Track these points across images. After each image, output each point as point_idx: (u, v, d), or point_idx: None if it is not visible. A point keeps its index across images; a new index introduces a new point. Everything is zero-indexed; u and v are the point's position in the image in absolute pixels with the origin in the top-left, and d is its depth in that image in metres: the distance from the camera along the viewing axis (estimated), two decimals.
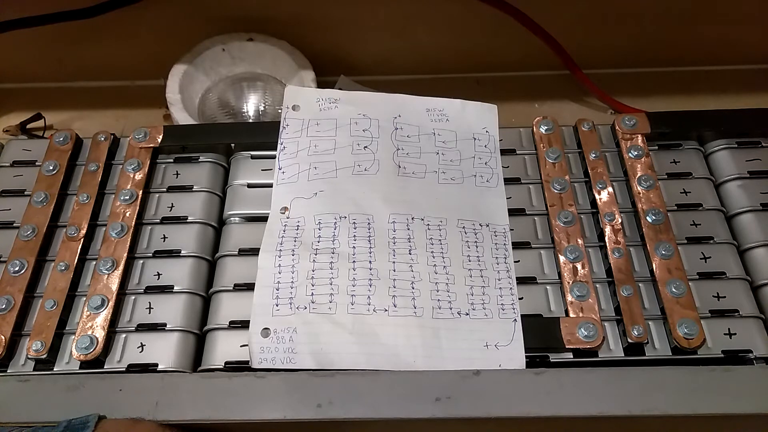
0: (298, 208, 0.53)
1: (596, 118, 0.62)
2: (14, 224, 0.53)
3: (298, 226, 0.52)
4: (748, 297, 0.49)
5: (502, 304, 0.48)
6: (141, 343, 0.47)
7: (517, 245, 0.52)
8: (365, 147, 0.56)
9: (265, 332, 0.46)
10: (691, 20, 0.70)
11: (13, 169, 0.57)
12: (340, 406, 0.43)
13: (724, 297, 0.49)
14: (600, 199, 0.53)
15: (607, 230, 0.51)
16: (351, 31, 0.72)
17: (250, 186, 0.55)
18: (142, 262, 0.51)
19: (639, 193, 0.53)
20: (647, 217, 0.51)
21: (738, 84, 0.73)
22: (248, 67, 0.72)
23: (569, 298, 0.48)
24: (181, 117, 0.66)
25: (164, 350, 0.47)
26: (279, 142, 0.56)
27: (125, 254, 0.50)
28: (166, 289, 0.50)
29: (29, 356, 0.46)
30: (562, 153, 0.55)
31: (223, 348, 0.47)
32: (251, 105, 0.71)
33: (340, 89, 0.63)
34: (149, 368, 0.46)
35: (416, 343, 0.46)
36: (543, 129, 0.57)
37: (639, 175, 0.54)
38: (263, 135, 0.57)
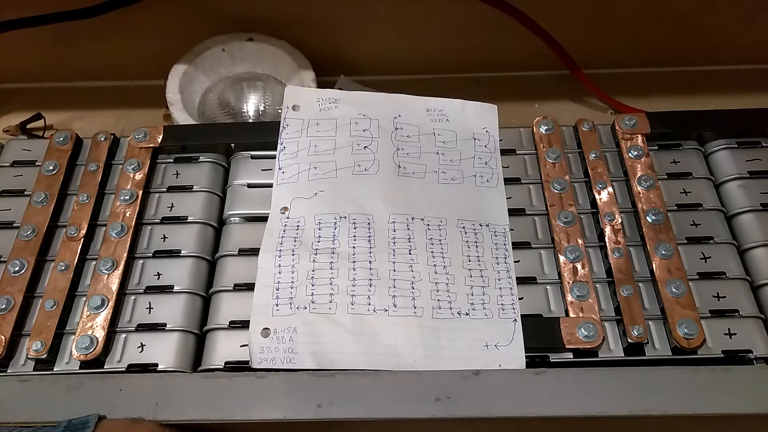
0: (298, 208, 0.53)
1: (596, 118, 0.62)
2: (14, 224, 0.53)
3: (298, 226, 0.52)
4: (748, 297, 0.49)
5: (502, 304, 0.48)
6: (141, 343, 0.47)
7: (517, 245, 0.52)
8: (365, 147, 0.56)
9: (265, 332, 0.46)
10: (691, 20, 0.70)
11: (13, 169, 0.57)
12: (340, 406, 0.42)
13: (724, 297, 0.49)
14: (600, 199, 0.53)
15: (607, 230, 0.51)
16: (351, 31, 0.72)
17: (250, 186, 0.55)
18: (142, 262, 0.51)
19: (639, 193, 0.53)
20: (647, 217, 0.51)
21: (738, 84, 0.73)
22: (248, 67, 0.72)
23: (569, 298, 0.48)
24: (181, 117, 0.66)
25: (164, 350, 0.47)
26: (279, 142, 0.56)
27: (125, 254, 0.50)
28: (166, 289, 0.50)
29: (29, 356, 0.46)
30: (562, 153, 0.55)
31: (223, 348, 0.47)
32: (251, 105, 0.70)
33: (340, 89, 0.63)
34: (149, 368, 0.46)
35: (416, 343, 0.46)
36: (543, 129, 0.57)
37: (639, 175, 0.54)
38: (263, 135, 0.58)
